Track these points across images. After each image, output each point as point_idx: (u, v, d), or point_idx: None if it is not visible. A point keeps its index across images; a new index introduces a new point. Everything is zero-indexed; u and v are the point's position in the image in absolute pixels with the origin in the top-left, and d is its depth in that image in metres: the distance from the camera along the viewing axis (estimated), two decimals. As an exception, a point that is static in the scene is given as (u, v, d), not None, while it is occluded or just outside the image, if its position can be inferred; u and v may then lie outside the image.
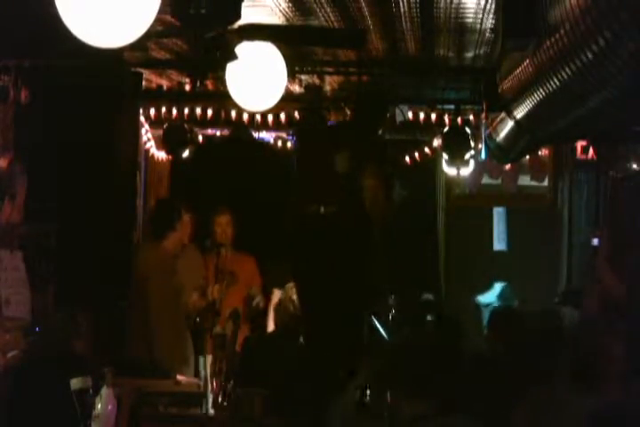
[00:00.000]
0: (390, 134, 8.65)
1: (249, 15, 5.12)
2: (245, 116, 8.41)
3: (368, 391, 4.54)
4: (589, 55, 3.41)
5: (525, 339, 4.98)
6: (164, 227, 6.83)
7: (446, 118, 8.35)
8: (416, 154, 9.43)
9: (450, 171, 9.07)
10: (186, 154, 8.32)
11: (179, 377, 5.73)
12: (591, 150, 9.41)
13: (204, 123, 8.60)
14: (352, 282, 6.33)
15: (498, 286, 10.19)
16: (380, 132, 7.40)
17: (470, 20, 5.69)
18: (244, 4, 3.94)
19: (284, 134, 9.04)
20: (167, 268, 6.73)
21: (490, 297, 10.13)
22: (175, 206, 7.01)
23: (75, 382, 4.29)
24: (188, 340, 6.73)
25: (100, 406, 4.24)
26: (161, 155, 9.02)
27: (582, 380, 3.81)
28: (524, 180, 10.13)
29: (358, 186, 6.28)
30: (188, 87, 8.03)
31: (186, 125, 8.27)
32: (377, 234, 6.62)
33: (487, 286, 10.26)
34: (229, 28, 4.41)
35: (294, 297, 6.38)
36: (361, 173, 6.35)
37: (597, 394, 3.71)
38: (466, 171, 9.02)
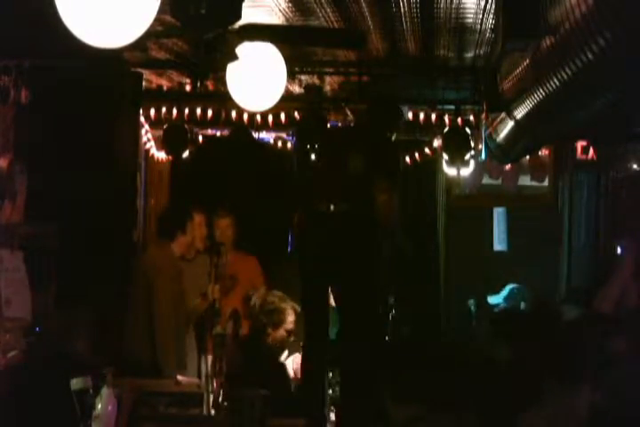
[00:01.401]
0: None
1: (249, 15, 5.12)
2: (245, 117, 8.41)
3: None
4: (589, 55, 3.41)
5: (525, 339, 4.97)
6: (173, 228, 6.79)
7: (446, 119, 8.35)
8: (416, 154, 9.43)
9: (450, 171, 9.06)
10: (186, 154, 8.32)
11: (179, 377, 5.73)
12: (591, 150, 9.40)
13: (204, 123, 8.59)
14: (361, 281, 6.31)
15: (508, 288, 10.17)
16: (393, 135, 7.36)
17: (470, 20, 5.70)
18: (244, 4, 3.94)
19: (283, 134, 9.03)
20: (173, 268, 6.70)
21: (498, 298, 10.11)
22: (186, 208, 6.97)
23: (75, 383, 4.29)
24: (191, 340, 6.73)
25: (100, 406, 4.24)
26: (161, 155, 9.01)
27: (584, 379, 3.81)
28: (524, 180, 10.12)
29: (369, 186, 6.26)
30: (188, 87, 8.03)
31: (186, 126, 8.26)
32: (382, 234, 6.60)
33: (488, 287, 10.24)
34: (230, 28, 4.41)
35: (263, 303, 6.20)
36: (372, 174, 6.33)
37: (599, 392, 3.71)
38: (466, 171, 9.01)
